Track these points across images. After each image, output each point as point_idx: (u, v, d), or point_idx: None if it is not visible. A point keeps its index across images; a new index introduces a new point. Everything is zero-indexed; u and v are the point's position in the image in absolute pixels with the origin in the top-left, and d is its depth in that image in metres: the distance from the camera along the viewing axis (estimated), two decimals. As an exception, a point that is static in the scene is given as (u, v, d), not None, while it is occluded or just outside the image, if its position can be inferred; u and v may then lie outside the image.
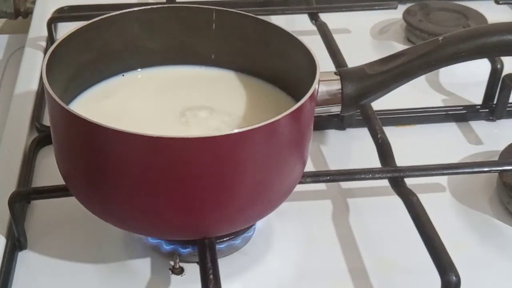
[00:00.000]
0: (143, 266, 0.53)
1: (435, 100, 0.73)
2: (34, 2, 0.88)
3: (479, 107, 0.71)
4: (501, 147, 0.63)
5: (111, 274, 0.53)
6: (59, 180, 0.52)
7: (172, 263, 0.53)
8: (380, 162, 0.60)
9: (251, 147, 0.45)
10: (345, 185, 0.61)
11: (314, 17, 0.81)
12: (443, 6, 0.87)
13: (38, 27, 0.82)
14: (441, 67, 0.55)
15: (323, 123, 0.68)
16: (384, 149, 0.60)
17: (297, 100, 0.47)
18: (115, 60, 0.57)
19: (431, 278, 0.48)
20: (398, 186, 0.57)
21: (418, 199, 0.54)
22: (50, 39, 0.78)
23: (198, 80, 0.58)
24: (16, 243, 0.54)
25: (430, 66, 0.54)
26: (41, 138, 0.65)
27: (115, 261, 0.54)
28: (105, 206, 0.49)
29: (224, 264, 0.50)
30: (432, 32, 0.80)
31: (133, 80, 0.58)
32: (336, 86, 0.53)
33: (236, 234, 0.54)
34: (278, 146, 0.47)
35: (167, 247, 0.53)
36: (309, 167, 0.61)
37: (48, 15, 0.82)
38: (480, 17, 0.84)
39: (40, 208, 0.58)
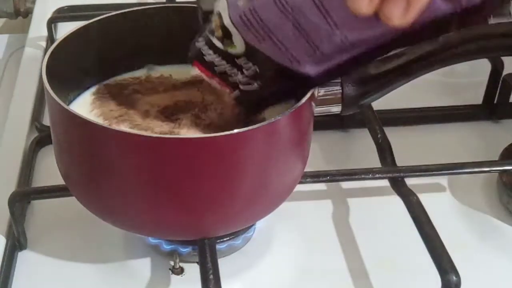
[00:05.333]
0: (143, 266, 0.53)
1: (435, 100, 0.73)
2: (34, 2, 0.88)
3: (479, 107, 0.71)
4: (501, 147, 0.63)
5: (111, 274, 0.53)
6: (59, 180, 0.52)
7: (172, 263, 0.53)
8: (380, 162, 0.60)
9: (251, 147, 0.45)
10: (345, 185, 0.61)
11: (314, 17, 0.81)
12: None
13: (38, 27, 0.82)
14: (442, 67, 0.55)
15: (323, 123, 0.68)
16: (384, 149, 0.60)
17: (298, 100, 0.47)
18: (115, 60, 0.57)
19: (432, 278, 0.48)
20: (398, 186, 0.57)
21: (418, 199, 0.54)
22: (50, 39, 0.78)
23: (198, 78, 0.58)
24: (16, 243, 0.54)
25: (430, 66, 0.54)
26: (41, 138, 0.65)
27: (115, 261, 0.54)
28: (105, 206, 0.49)
29: (224, 264, 0.50)
30: (432, 32, 0.80)
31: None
32: (336, 86, 0.53)
33: (236, 234, 0.54)
34: (278, 146, 0.47)
35: (167, 247, 0.53)
36: (309, 167, 0.61)
37: (48, 15, 0.82)
38: (480, 17, 0.84)
39: (40, 208, 0.58)
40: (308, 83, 0.48)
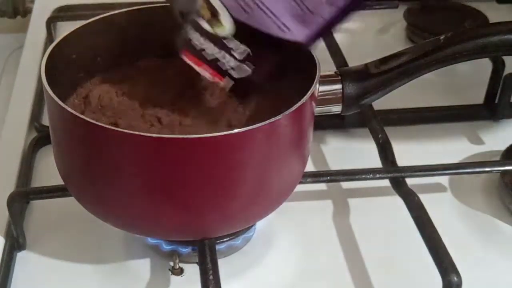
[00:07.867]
0: (142, 267, 0.53)
1: (436, 100, 0.73)
2: (33, 1, 0.88)
3: (480, 106, 0.71)
4: (503, 147, 0.63)
5: (111, 274, 0.53)
6: (58, 180, 0.51)
7: (171, 263, 0.52)
8: (381, 162, 0.60)
9: (251, 147, 0.45)
10: (346, 185, 0.61)
11: (314, 17, 0.81)
12: (444, 5, 0.87)
13: (37, 27, 0.82)
14: (443, 67, 0.55)
15: (323, 123, 0.68)
16: (385, 149, 0.60)
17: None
18: (114, 60, 0.56)
19: (433, 279, 0.48)
20: (399, 186, 0.57)
21: (419, 199, 0.54)
22: (49, 38, 0.78)
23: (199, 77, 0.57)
24: (15, 244, 0.54)
25: (431, 65, 0.54)
26: (40, 138, 0.64)
27: (114, 261, 0.54)
28: (104, 207, 0.49)
29: (224, 265, 0.50)
30: (433, 31, 0.80)
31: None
32: (336, 85, 0.53)
33: (236, 235, 0.54)
34: (278, 146, 0.47)
35: (166, 248, 0.53)
36: (310, 167, 0.61)
37: (47, 14, 0.82)
38: (481, 17, 0.84)
39: (39, 208, 0.58)
40: (300, 45, 0.48)
